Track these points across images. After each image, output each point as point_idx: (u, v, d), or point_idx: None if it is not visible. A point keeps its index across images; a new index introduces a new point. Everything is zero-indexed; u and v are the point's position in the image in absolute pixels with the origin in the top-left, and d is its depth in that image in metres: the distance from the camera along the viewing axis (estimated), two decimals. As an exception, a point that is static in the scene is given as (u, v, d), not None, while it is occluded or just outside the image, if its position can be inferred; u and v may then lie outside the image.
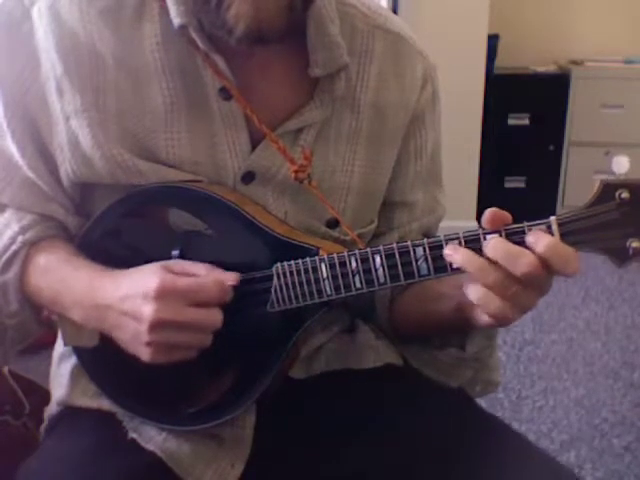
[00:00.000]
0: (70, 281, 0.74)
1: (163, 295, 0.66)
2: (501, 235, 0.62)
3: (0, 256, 0.76)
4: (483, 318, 0.66)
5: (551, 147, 3.39)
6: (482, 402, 0.85)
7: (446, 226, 0.96)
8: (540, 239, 0.60)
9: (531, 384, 2.10)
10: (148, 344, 0.68)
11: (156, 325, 0.67)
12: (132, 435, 0.75)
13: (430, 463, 0.73)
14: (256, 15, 0.65)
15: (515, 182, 3.44)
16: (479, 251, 0.62)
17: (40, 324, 0.82)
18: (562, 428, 1.88)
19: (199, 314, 0.68)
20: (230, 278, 0.70)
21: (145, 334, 0.67)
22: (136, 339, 0.69)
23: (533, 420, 1.92)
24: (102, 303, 0.71)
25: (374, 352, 0.85)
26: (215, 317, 0.69)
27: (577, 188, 3.31)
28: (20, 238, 0.76)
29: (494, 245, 0.61)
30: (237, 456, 0.76)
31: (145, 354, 0.69)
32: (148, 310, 0.66)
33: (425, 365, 0.84)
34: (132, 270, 0.71)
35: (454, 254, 0.63)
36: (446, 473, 0.72)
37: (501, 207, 0.63)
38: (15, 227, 0.77)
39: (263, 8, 0.65)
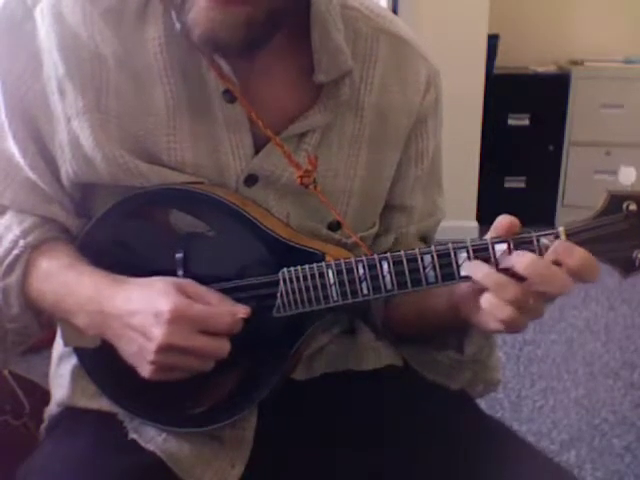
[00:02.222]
0: (74, 286, 0.74)
1: (176, 320, 0.66)
2: (509, 245, 0.63)
3: (2, 260, 0.76)
4: (492, 325, 0.66)
5: (551, 147, 3.39)
6: (482, 402, 0.85)
7: (446, 226, 0.96)
8: (572, 252, 0.61)
9: (531, 384, 2.10)
10: (152, 363, 0.68)
11: (164, 348, 0.67)
12: (132, 435, 0.75)
13: (430, 464, 0.73)
14: (211, 26, 0.65)
15: (515, 182, 3.44)
16: (488, 260, 0.63)
17: (41, 327, 0.81)
18: (562, 428, 1.88)
19: (208, 343, 0.68)
20: (242, 311, 0.70)
21: (151, 353, 0.67)
22: (140, 355, 0.69)
23: (533, 420, 1.92)
24: (109, 312, 0.70)
25: (375, 353, 0.85)
26: (223, 347, 0.69)
27: (577, 188, 3.30)
28: (22, 242, 0.76)
29: (528, 264, 0.62)
30: (237, 456, 0.76)
31: (146, 371, 0.69)
32: (159, 332, 0.66)
33: (424, 367, 0.84)
34: (142, 282, 0.71)
35: (476, 270, 0.63)
36: (447, 474, 0.72)
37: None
38: (16, 230, 0.77)
39: (218, 20, 0.65)
